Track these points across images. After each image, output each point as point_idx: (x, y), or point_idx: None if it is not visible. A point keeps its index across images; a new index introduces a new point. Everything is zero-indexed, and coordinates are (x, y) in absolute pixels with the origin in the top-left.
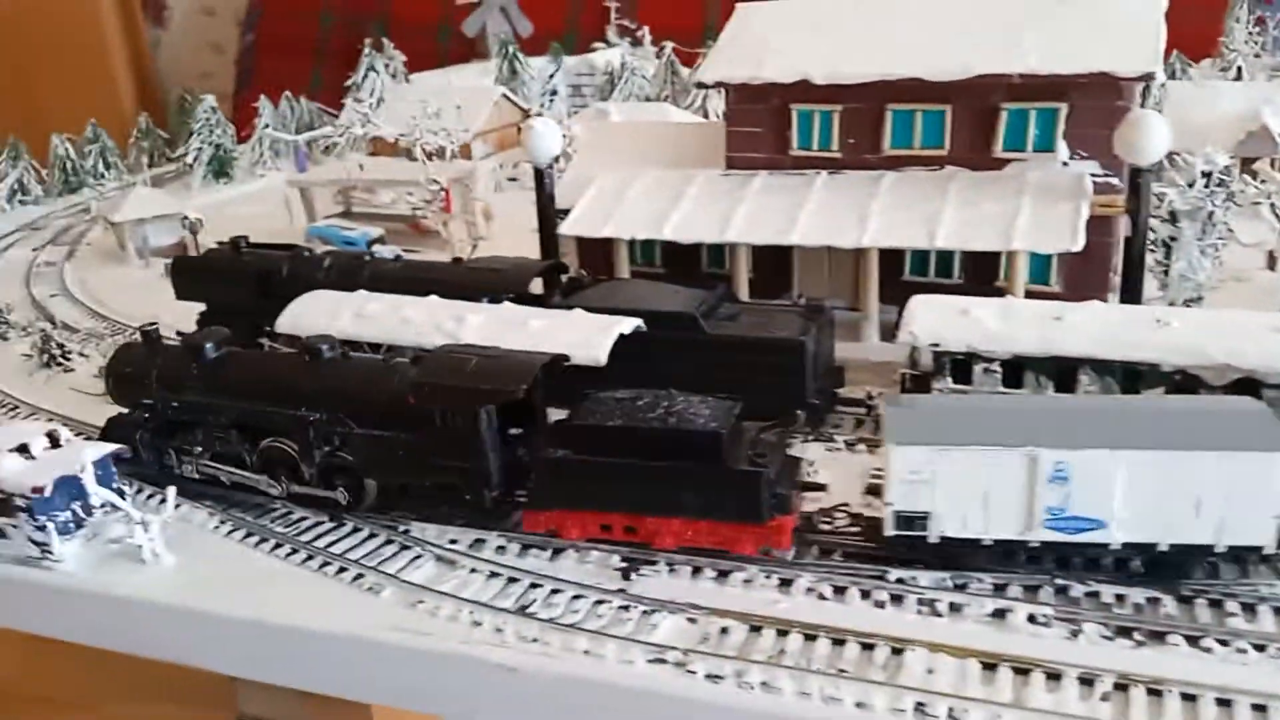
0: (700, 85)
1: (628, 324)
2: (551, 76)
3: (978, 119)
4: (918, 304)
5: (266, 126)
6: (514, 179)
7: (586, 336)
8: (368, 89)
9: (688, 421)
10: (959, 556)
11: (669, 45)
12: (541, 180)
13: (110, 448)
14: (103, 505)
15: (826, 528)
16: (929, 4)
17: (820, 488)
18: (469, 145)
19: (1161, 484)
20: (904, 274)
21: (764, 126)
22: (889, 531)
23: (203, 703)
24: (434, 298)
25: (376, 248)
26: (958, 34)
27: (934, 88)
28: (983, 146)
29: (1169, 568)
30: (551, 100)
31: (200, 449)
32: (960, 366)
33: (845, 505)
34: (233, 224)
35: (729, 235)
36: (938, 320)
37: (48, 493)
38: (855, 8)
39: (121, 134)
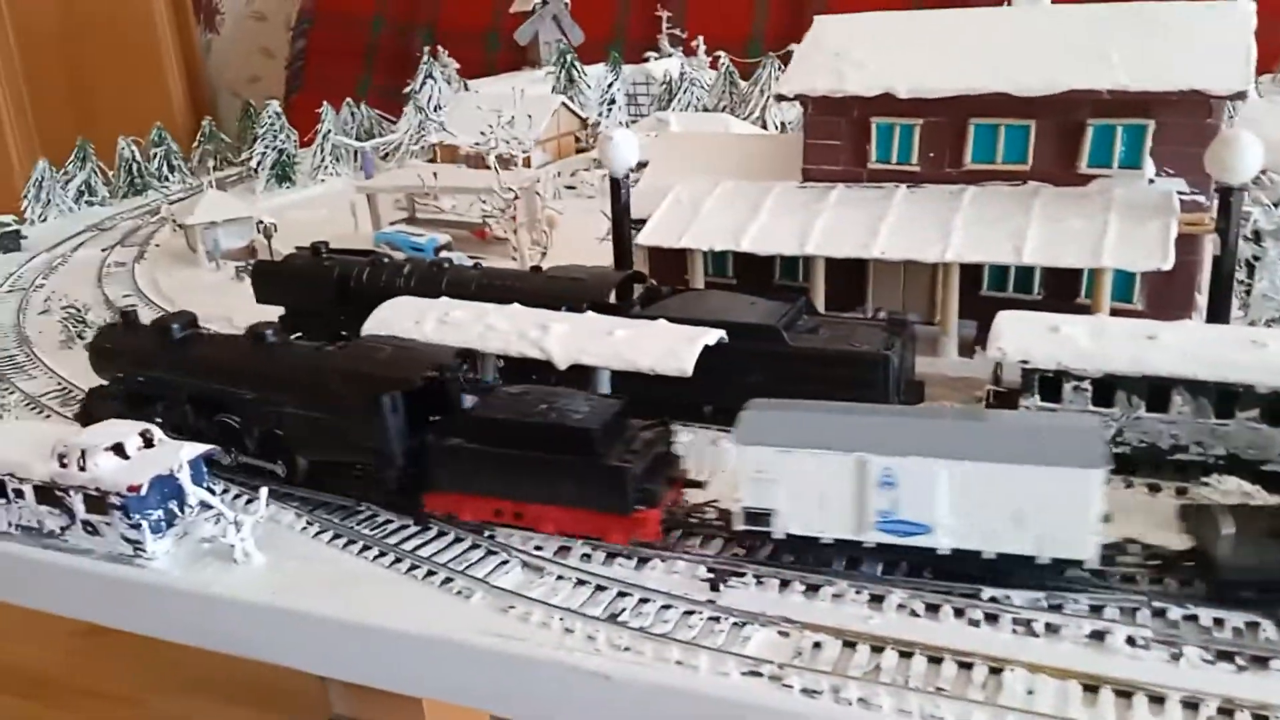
0: (779, 97)
1: (712, 335)
2: (610, 85)
3: (1063, 134)
4: (1005, 320)
5: (330, 132)
6: (571, 187)
7: (671, 347)
8: (425, 96)
9: (565, 417)
10: (805, 551)
11: (726, 56)
12: (618, 190)
13: (203, 448)
14: (198, 504)
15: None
16: (1012, 18)
17: (699, 485)
18: (529, 154)
19: (982, 494)
20: (982, 289)
21: (842, 139)
22: (738, 526)
23: (247, 701)
24: (517, 306)
25: (445, 253)
26: (1043, 49)
27: (1019, 102)
28: (1067, 162)
29: (998, 575)
30: (610, 109)
31: (160, 420)
32: (1049, 384)
33: None
34: (296, 228)
35: (808, 248)
36: (1027, 337)
37: (144, 491)
38: (936, 21)
39: (173, 131)
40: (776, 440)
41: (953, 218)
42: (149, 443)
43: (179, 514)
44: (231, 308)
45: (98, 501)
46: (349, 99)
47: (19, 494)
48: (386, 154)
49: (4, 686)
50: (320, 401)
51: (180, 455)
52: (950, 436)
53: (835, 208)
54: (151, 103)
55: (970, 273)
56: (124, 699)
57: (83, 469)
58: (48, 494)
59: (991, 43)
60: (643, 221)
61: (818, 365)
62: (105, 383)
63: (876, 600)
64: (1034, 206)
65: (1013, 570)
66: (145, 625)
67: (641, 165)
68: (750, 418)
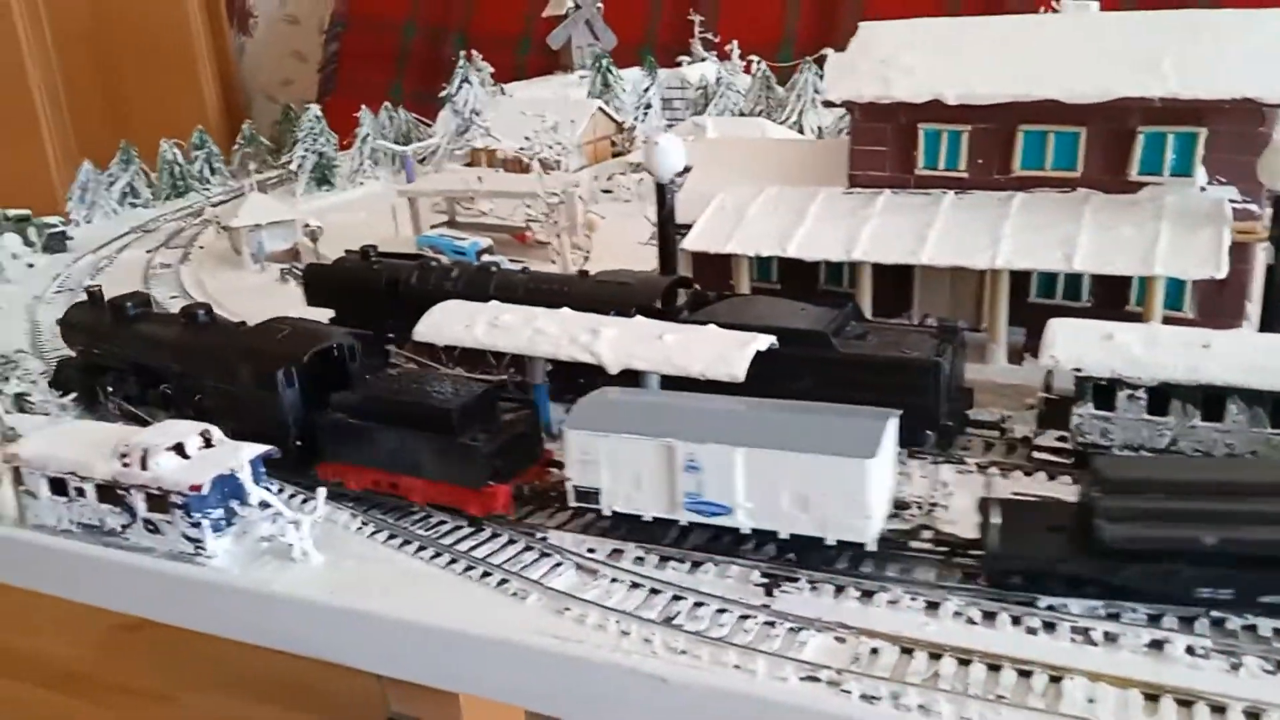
0: (827, 103)
1: (763, 341)
2: (646, 90)
3: (1113, 142)
4: (1058, 327)
5: (368, 136)
6: (608, 190)
7: (722, 352)
8: (461, 99)
9: (429, 398)
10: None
11: (762, 61)
12: (663, 195)
13: (261, 449)
14: (259, 504)
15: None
16: (1060, 25)
17: (554, 463)
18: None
19: (772, 478)
20: (1030, 295)
21: (889, 145)
22: (571, 503)
23: (280, 699)
24: (566, 310)
25: (487, 257)
26: (1093, 55)
27: (1069, 109)
28: (1117, 169)
29: (801, 554)
30: (646, 113)
31: (112, 390)
32: (1103, 392)
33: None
34: (336, 231)
35: (856, 254)
36: (1080, 344)
37: (205, 491)
38: (984, 28)
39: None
40: (597, 425)
41: (1002, 224)
42: (208, 442)
43: (238, 513)
44: (278, 309)
45: (159, 500)
46: (386, 103)
47: (80, 492)
48: (423, 158)
49: (38, 679)
50: (229, 377)
51: (241, 455)
52: (749, 425)
53: (882, 214)
54: (185, 105)
55: (1018, 279)
56: (156, 695)
57: (144, 468)
58: (109, 493)
59: (1040, 49)
60: (686, 226)
61: (867, 371)
62: (73, 354)
63: (932, 607)
64: (1084, 213)
65: (806, 551)
66: (205, 622)
67: (685, 170)
68: (583, 404)
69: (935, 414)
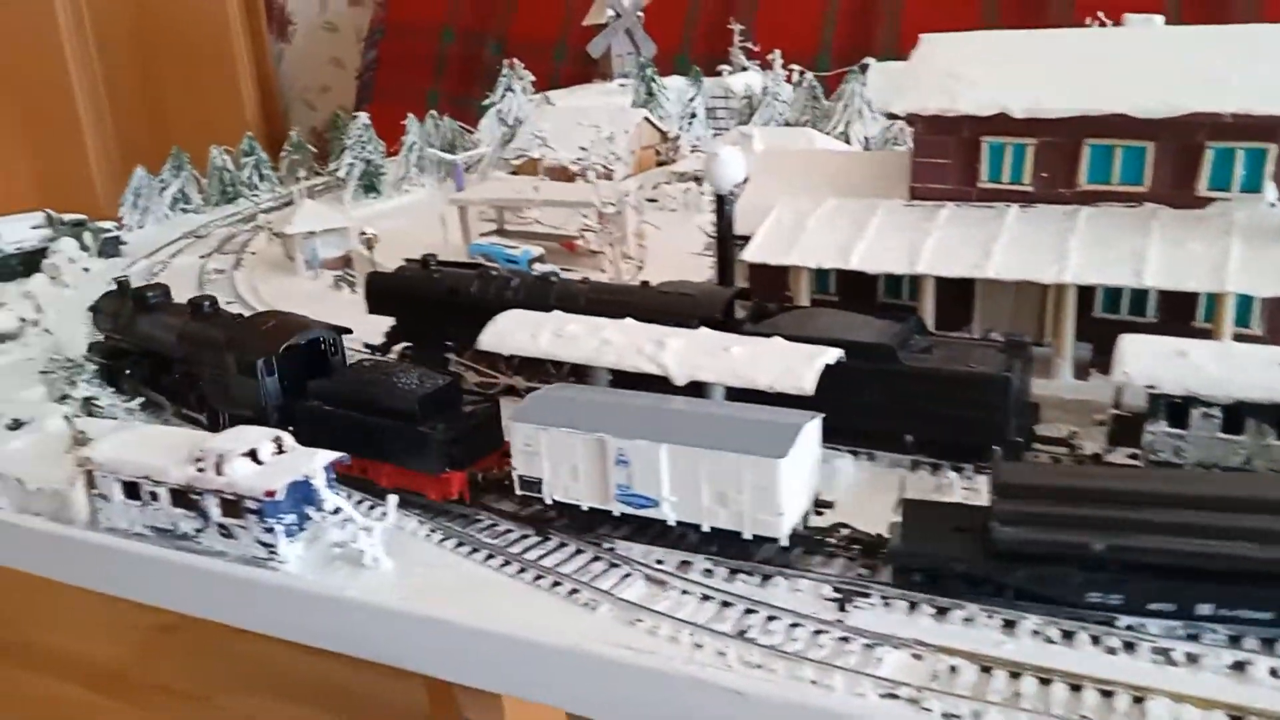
0: (890, 115)
1: (831, 354)
2: (692, 99)
3: (1181, 156)
4: (1129, 343)
5: (415, 144)
6: (653, 200)
7: (791, 365)
8: (506, 107)
9: (393, 389)
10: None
11: (806, 71)
12: (723, 206)
13: (333, 455)
14: (334, 510)
15: None
16: (1125, 39)
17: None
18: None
19: (693, 474)
20: (1094, 310)
21: (951, 158)
22: (517, 491)
23: (314, 702)
24: (630, 320)
25: (539, 266)
26: (1160, 70)
27: (1138, 124)
28: (1185, 184)
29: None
30: (690, 123)
31: (130, 372)
32: (1176, 410)
33: None
34: (385, 238)
35: (919, 266)
36: (1153, 361)
37: (279, 497)
38: (1048, 41)
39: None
40: (540, 419)
41: (1068, 238)
42: (281, 448)
43: (310, 518)
44: (333, 316)
45: (233, 505)
46: (432, 111)
47: (154, 496)
48: (469, 166)
49: (74, 677)
50: (221, 364)
51: (315, 462)
52: (677, 423)
53: (945, 226)
54: (225, 111)
55: (1083, 294)
56: (191, 695)
57: (219, 473)
58: (183, 497)
59: (1106, 63)
60: (742, 237)
61: (935, 386)
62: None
63: (1009, 625)
64: (1152, 229)
65: (725, 545)
66: (277, 627)
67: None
68: (531, 398)
69: (1004, 429)
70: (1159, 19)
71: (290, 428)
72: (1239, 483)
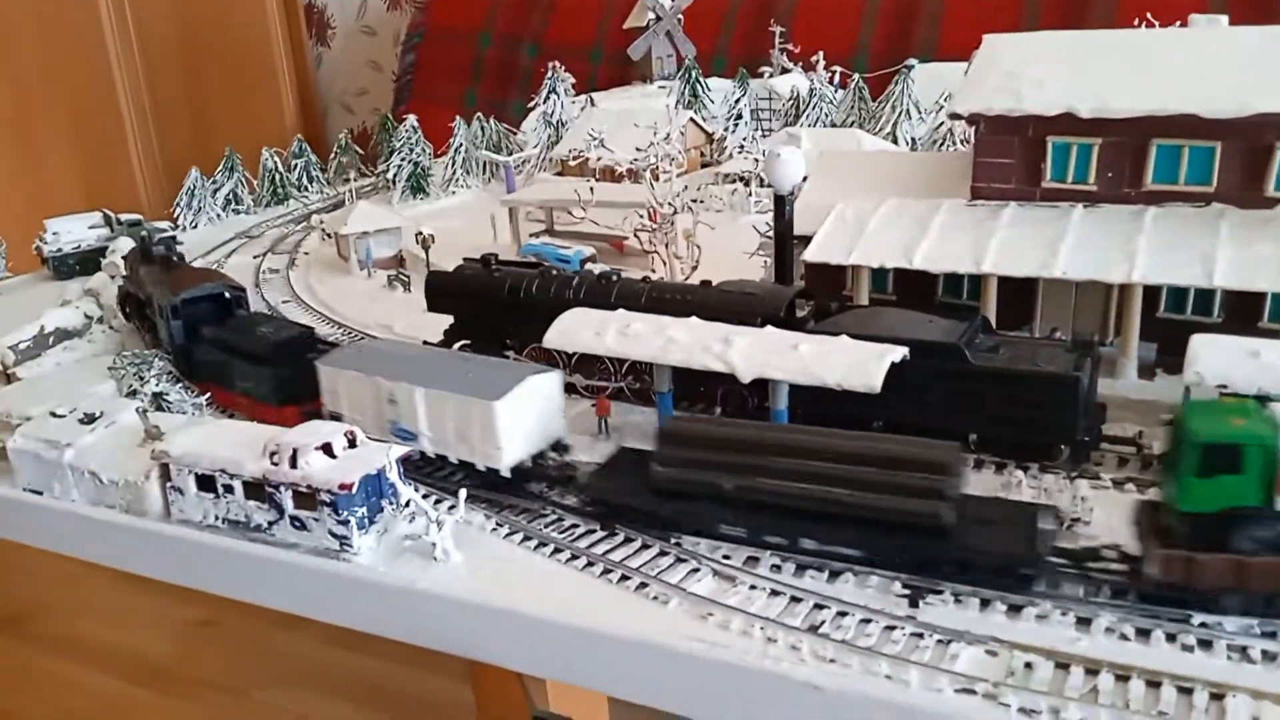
0: (954, 116)
1: (897, 352)
2: (738, 101)
3: (1249, 157)
4: (1200, 343)
5: (461, 145)
6: (699, 200)
7: (859, 362)
8: (550, 109)
9: (255, 336)
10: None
11: (856, 73)
12: (782, 207)
13: (403, 450)
14: (406, 503)
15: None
16: (1191, 39)
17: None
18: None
19: (440, 413)
20: (1159, 310)
21: (1015, 158)
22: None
23: (352, 698)
24: (695, 319)
25: (589, 265)
26: (1227, 70)
27: (1206, 124)
28: (1253, 185)
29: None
30: (736, 124)
31: (129, 311)
32: None
33: (1116, 545)
34: (436, 238)
35: (985, 266)
36: (1226, 361)
37: (354, 490)
38: (1113, 41)
39: (284, 144)
40: (337, 364)
41: (1136, 238)
42: (352, 442)
43: (380, 511)
44: (390, 315)
45: (307, 498)
46: (479, 113)
47: (228, 489)
48: (518, 167)
49: (114, 670)
50: (160, 310)
51: (390, 455)
52: (435, 371)
53: (1009, 226)
54: (265, 113)
55: (1148, 294)
56: (229, 689)
57: (294, 466)
58: (257, 490)
59: (1172, 63)
60: (801, 238)
61: (1003, 385)
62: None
63: (1084, 623)
64: (1220, 229)
65: (467, 472)
66: (350, 618)
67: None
68: (336, 350)
69: (1074, 429)
70: (1223, 19)
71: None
72: (856, 440)
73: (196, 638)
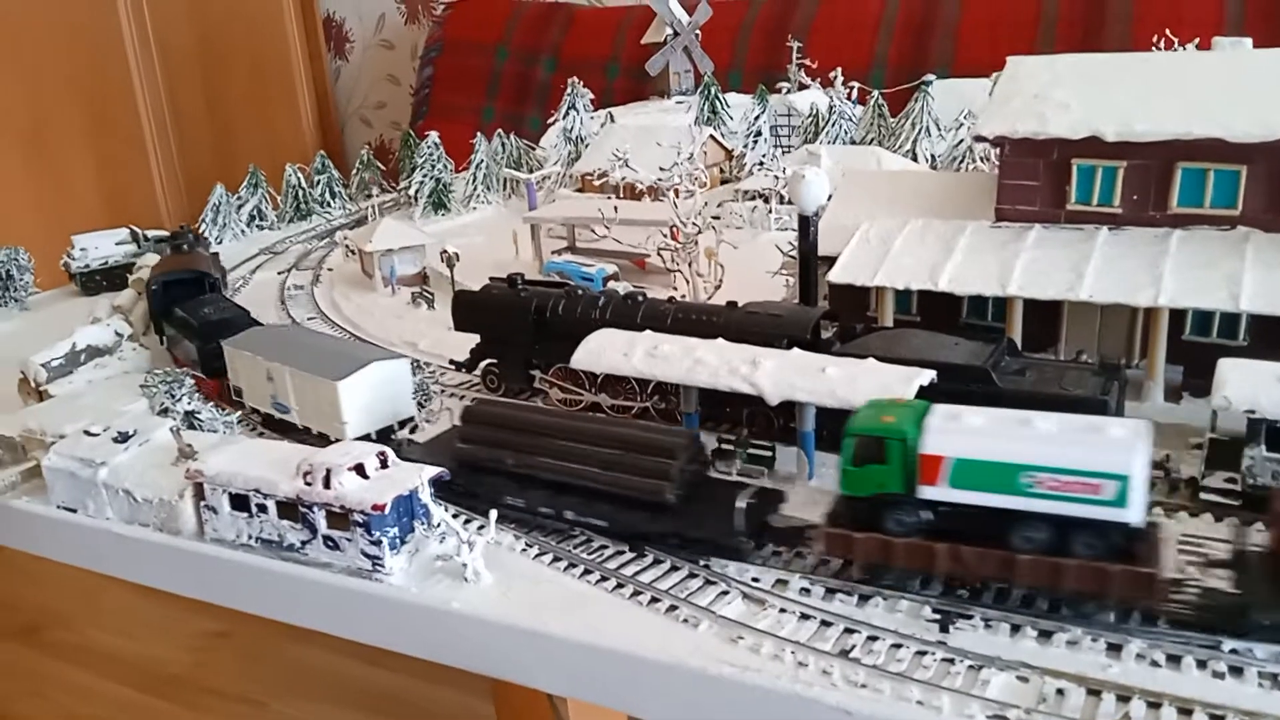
0: (979, 139)
1: (924, 375)
2: (757, 118)
3: (1275, 180)
4: (1228, 368)
5: (483, 161)
6: (718, 217)
7: (887, 386)
8: (569, 125)
9: (199, 316)
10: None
11: (874, 90)
12: (806, 228)
13: (435, 470)
14: (438, 524)
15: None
16: (1215, 62)
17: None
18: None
19: (301, 389)
20: (1184, 333)
21: (1040, 180)
22: (233, 397)
23: (367, 710)
24: (722, 340)
25: (612, 284)
26: (1253, 94)
27: (1231, 148)
28: (1278, 208)
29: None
30: (755, 141)
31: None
32: (1276, 435)
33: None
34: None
35: (1011, 288)
36: (1253, 386)
37: (386, 510)
38: (1137, 64)
39: (303, 157)
40: (237, 345)
41: (1161, 261)
42: (384, 463)
43: (412, 531)
44: (416, 332)
45: (340, 518)
46: (500, 130)
47: (262, 509)
48: (540, 184)
49: (129, 679)
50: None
51: (422, 475)
52: (305, 352)
53: (1034, 248)
54: (283, 126)
55: (1173, 317)
56: (244, 699)
57: (327, 487)
58: (290, 509)
59: (1196, 86)
60: (825, 258)
61: (1030, 408)
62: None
63: (1114, 649)
64: (1246, 252)
65: (323, 440)
66: (383, 638)
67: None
68: (243, 333)
69: None
70: (1247, 41)
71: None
72: (611, 425)
73: (211, 648)
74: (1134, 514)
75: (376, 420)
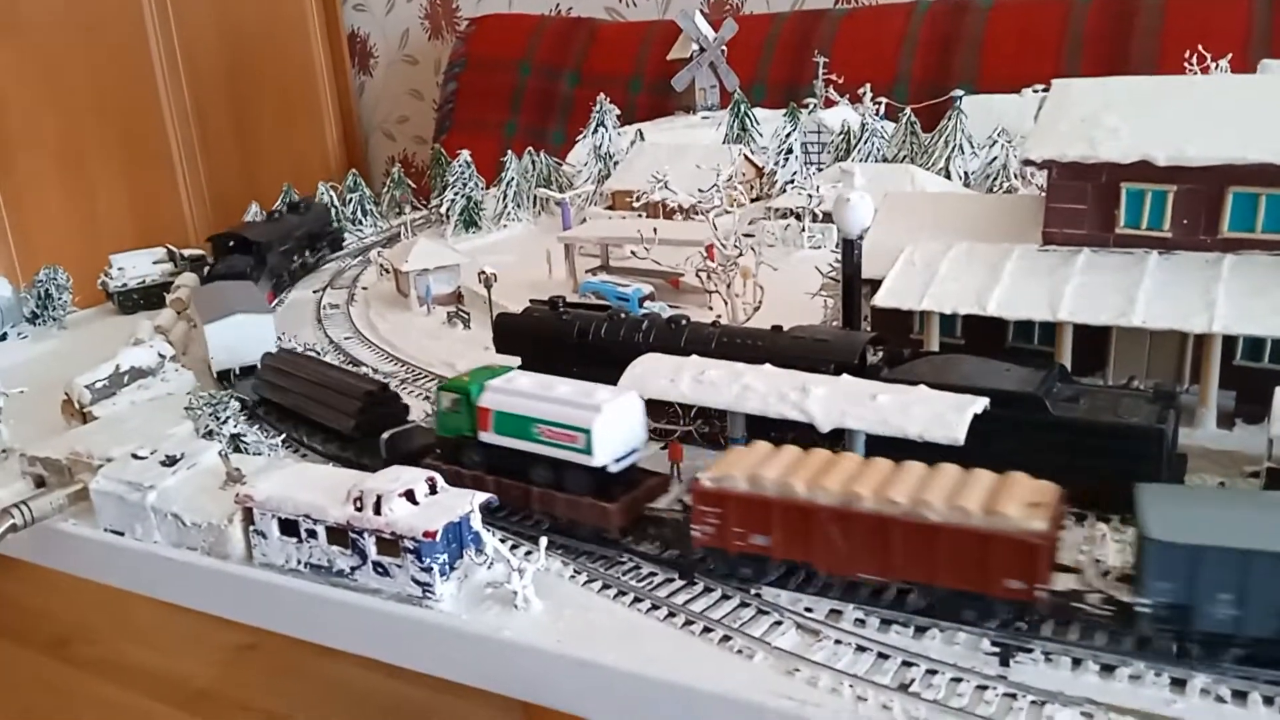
0: (1027, 162)
1: (978, 403)
2: (788, 135)
3: None
4: None
5: (514, 179)
6: (750, 235)
7: (940, 414)
8: (598, 142)
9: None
10: None
11: (907, 106)
12: (850, 251)
13: (484, 496)
14: (491, 551)
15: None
16: (1264, 86)
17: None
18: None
19: (207, 338)
20: (1235, 358)
21: (1088, 204)
22: None
23: None
24: (769, 366)
25: (649, 304)
26: None
27: None
28: None
29: None
30: (787, 159)
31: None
32: None
33: None
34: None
35: (1061, 314)
36: None
37: (437, 537)
38: (1186, 87)
39: (326, 172)
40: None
41: (1214, 286)
42: (433, 488)
43: (460, 557)
44: (452, 352)
45: (390, 544)
46: (530, 148)
47: (312, 534)
48: (573, 203)
49: (157, 693)
50: None
51: (472, 501)
52: (218, 308)
53: (1084, 273)
54: (308, 141)
55: (1225, 341)
56: (271, 713)
57: (378, 513)
58: (340, 535)
59: (1246, 110)
60: (869, 281)
61: (1085, 436)
62: None
63: (1178, 684)
64: None
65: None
66: (433, 665)
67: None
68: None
69: (1157, 481)
70: None
71: None
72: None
73: (239, 661)
74: (598, 460)
75: (237, 360)
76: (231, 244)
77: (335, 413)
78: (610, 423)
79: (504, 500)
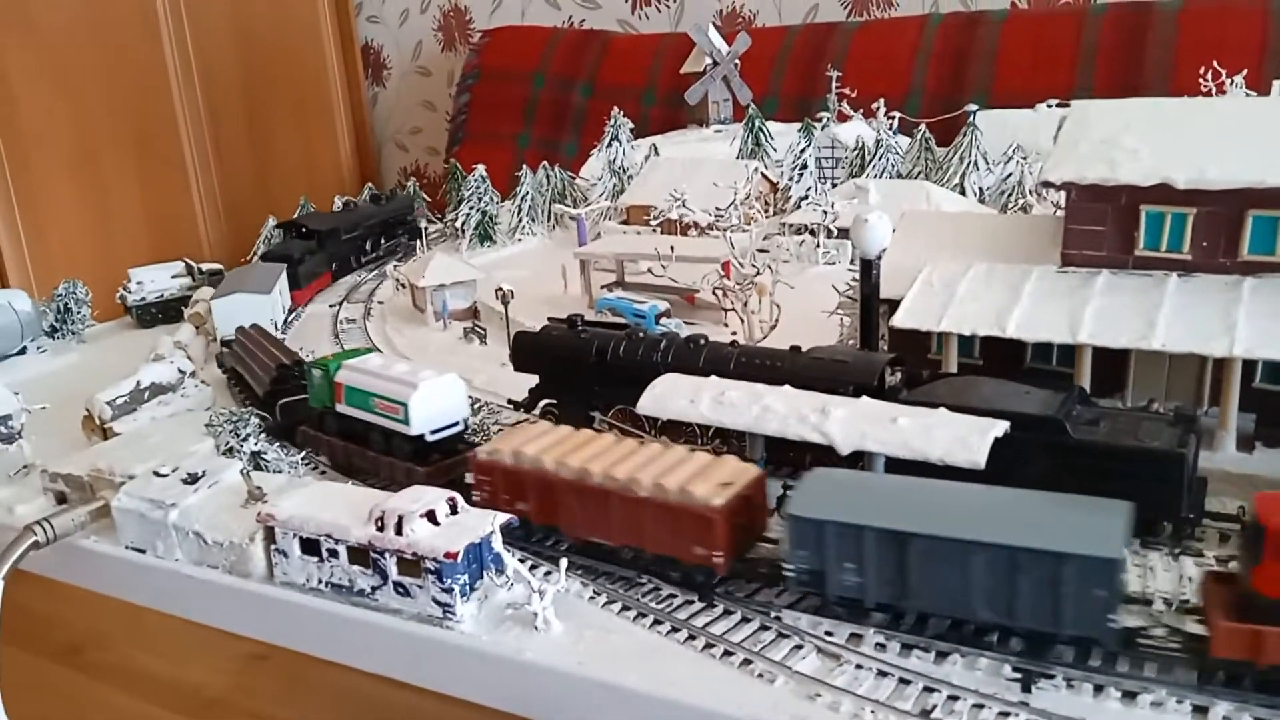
0: (1046, 184)
1: (999, 427)
2: (802, 151)
3: None
4: None
5: (529, 194)
6: (764, 250)
7: (961, 438)
8: (613, 156)
9: None
10: None
11: (921, 121)
12: (868, 270)
13: (505, 517)
14: (512, 572)
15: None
16: None
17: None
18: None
19: None
20: (1255, 380)
21: (1107, 225)
22: None
23: None
24: (789, 387)
25: (665, 320)
26: None
27: None
28: None
29: None
30: (801, 174)
31: None
32: None
33: None
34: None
35: (1081, 336)
36: None
37: (459, 559)
38: (1205, 110)
39: (339, 184)
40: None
41: (1235, 309)
42: (454, 509)
43: (480, 578)
44: (469, 368)
45: (411, 565)
46: (545, 162)
47: (333, 554)
48: (589, 218)
49: (168, 702)
50: None
51: (493, 522)
52: None
53: (1103, 295)
54: (321, 152)
55: (1244, 364)
56: None
57: (399, 533)
58: (361, 555)
59: (1268, 133)
60: (886, 301)
61: (1106, 460)
62: None
63: (1200, 711)
64: None
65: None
66: (453, 685)
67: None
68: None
69: (1178, 506)
70: None
71: None
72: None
73: (250, 671)
74: (415, 429)
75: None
76: (298, 231)
77: (258, 380)
78: (427, 398)
79: (351, 463)
